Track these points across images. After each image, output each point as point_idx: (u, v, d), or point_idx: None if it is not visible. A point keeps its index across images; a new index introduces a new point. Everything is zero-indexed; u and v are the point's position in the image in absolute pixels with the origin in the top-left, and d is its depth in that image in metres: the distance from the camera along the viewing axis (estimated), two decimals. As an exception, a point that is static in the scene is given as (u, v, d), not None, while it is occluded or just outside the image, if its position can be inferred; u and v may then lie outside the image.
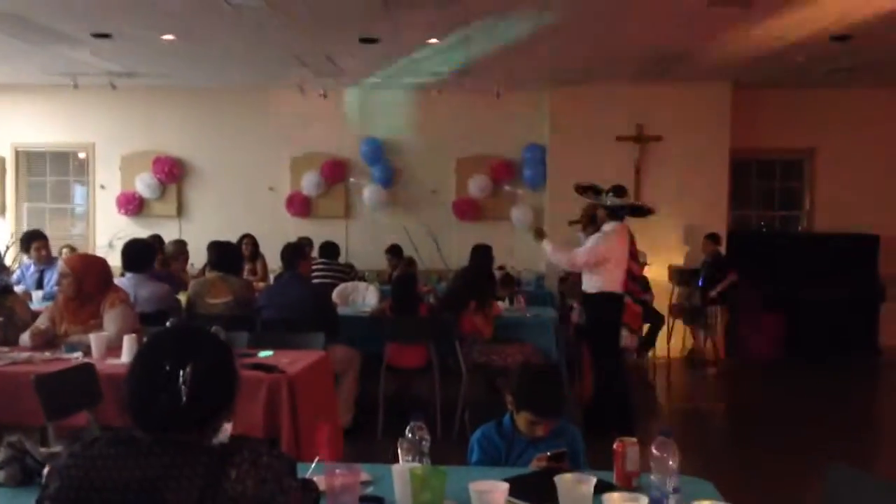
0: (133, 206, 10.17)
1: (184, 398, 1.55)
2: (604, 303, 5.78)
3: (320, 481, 1.92)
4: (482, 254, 7.31)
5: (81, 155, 10.53)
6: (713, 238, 8.77)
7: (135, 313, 4.65)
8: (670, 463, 2.02)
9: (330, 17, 6.57)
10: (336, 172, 10.04)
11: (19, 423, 3.67)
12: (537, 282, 8.96)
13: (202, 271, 7.16)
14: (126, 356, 3.94)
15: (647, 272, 7.45)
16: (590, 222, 6.36)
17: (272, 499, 1.52)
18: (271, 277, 7.88)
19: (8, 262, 8.35)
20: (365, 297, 7.17)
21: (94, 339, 4.14)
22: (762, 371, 8.51)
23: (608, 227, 5.82)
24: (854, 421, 6.65)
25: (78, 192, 10.80)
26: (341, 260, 8.27)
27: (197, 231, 9.39)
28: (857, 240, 9.24)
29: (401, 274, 7.54)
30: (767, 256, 9.21)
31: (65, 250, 8.67)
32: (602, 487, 2.04)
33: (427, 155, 9.96)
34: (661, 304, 8.38)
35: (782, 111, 9.51)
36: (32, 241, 6.73)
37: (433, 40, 7.27)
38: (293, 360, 4.13)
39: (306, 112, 9.81)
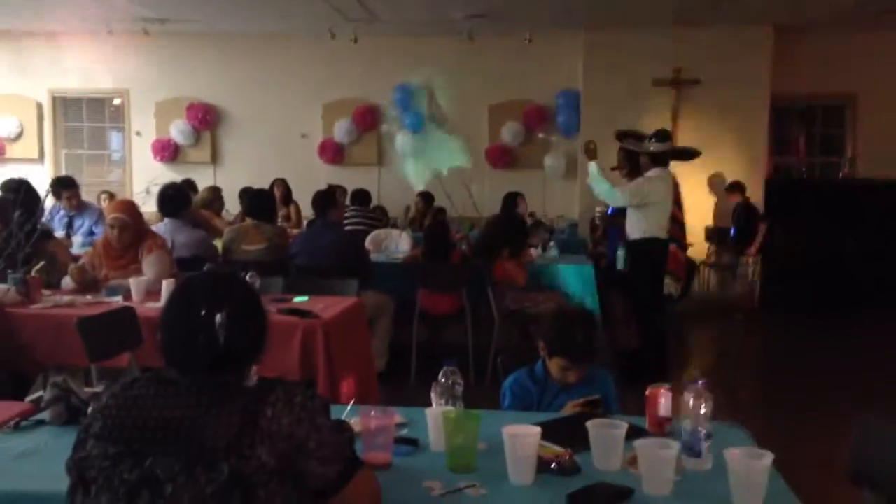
0: (168, 152, 10.24)
1: (221, 341, 1.58)
2: (648, 248, 5.68)
3: (356, 423, 1.94)
4: (514, 201, 7.27)
5: (117, 101, 10.60)
6: (736, 188, 8.60)
7: (172, 258, 4.73)
8: (703, 409, 2.01)
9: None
10: (368, 119, 9.99)
11: (64, 363, 3.79)
12: (570, 229, 8.91)
13: (239, 217, 7.21)
14: (165, 300, 4.00)
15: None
16: (633, 168, 6.16)
17: (307, 437, 1.54)
18: (304, 224, 7.92)
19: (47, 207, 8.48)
20: (398, 244, 7.19)
21: (134, 284, 4.23)
22: (797, 321, 8.41)
23: (652, 172, 5.71)
24: (891, 374, 6.56)
25: (114, 138, 10.90)
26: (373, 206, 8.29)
27: (231, 178, 9.44)
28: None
29: (433, 222, 7.55)
30: (808, 204, 9.02)
31: (103, 196, 8.79)
32: (634, 433, 2.05)
33: (459, 101, 9.85)
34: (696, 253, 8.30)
35: (823, 56, 9.21)
36: (63, 188, 6.80)
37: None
38: (327, 306, 4.17)
39: (338, 58, 9.72)
